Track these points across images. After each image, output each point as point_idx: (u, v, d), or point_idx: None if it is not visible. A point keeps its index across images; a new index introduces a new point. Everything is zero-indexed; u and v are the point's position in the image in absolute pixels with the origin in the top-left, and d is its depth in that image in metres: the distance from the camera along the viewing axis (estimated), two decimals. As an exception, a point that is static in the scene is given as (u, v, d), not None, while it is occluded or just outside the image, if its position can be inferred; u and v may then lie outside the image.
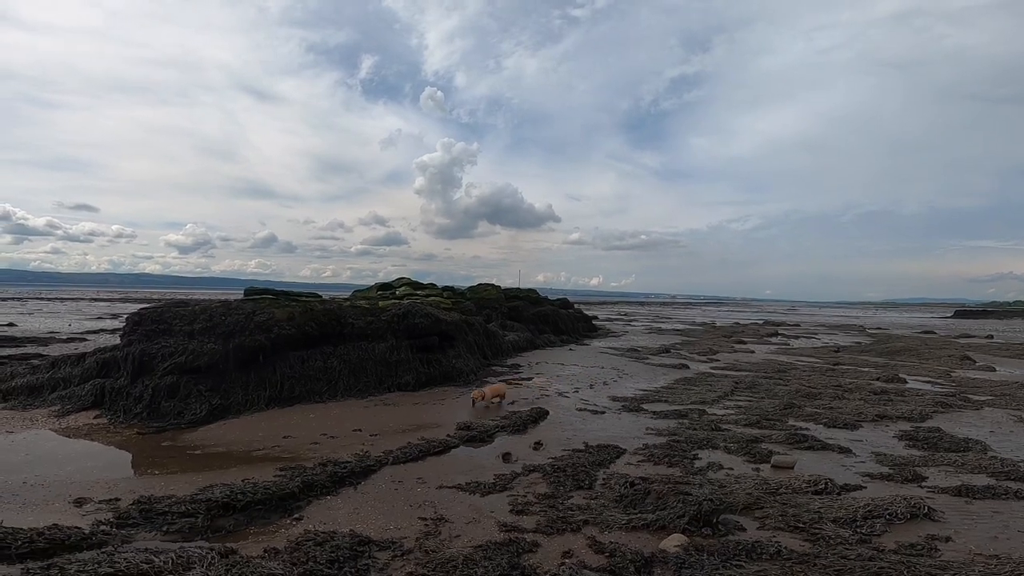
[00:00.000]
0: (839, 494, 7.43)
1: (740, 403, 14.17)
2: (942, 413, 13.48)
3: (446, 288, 27.79)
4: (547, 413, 12.20)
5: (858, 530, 6.18)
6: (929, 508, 6.77)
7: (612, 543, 5.65)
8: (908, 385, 18.21)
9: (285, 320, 13.55)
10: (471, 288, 32.20)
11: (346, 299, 22.21)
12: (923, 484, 8.07)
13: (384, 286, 26.63)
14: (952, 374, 21.58)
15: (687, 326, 50.43)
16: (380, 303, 18.92)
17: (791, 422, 12.07)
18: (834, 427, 11.73)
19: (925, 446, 10.33)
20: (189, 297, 27.37)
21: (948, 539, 6.01)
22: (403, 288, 25.53)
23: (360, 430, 10.44)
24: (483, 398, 13.05)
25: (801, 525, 6.24)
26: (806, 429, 11.31)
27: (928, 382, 19.26)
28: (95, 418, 11.06)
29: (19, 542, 4.95)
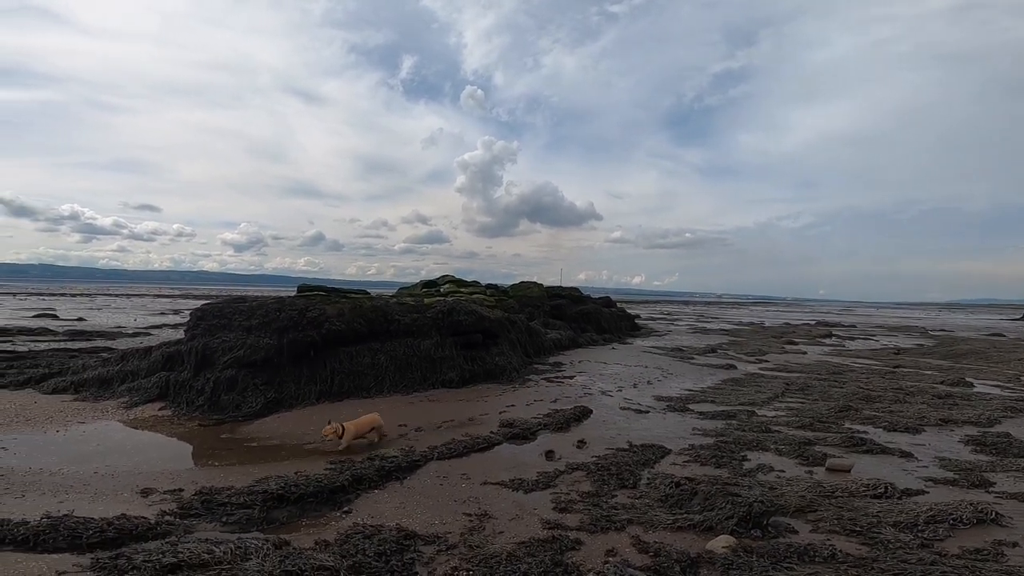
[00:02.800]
0: (899, 498, 7.10)
1: (792, 405, 13.69)
2: (1011, 418, 12.65)
3: (489, 286, 28.00)
4: (590, 412, 12.13)
5: (919, 534, 5.90)
6: (996, 513, 6.41)
7: (657, 543, 5.58)
8: (975, 389, 17.14)
9: (335, 316, 13.98)
10: (513, 286, 32.31)
11: (392, 296, 22.71)
12: (990, 489, 7.62)
13: (429, 283, 27.07)
14: (1023, 378, 20.19)
15: (734, 326, 49.01)
16: (425, 300, 19.25)
17: (847, 425, 11.57)
18: (894, 431, 11.18)
19: (993, 451, 9.73)
20: (245, 294, 28.63)
21: (1016, 544, 5.71)
22: (447, 285, 25.88)
23: (405, 425, 10.67)
24: (339, 435, 8.82)
25: (858, 529, 6.00)
26: (864, 432, 10.82)
27: (997, 386, 18.07)
28: (160, 410, 11.72)
29: (90, 531, 5.27)
